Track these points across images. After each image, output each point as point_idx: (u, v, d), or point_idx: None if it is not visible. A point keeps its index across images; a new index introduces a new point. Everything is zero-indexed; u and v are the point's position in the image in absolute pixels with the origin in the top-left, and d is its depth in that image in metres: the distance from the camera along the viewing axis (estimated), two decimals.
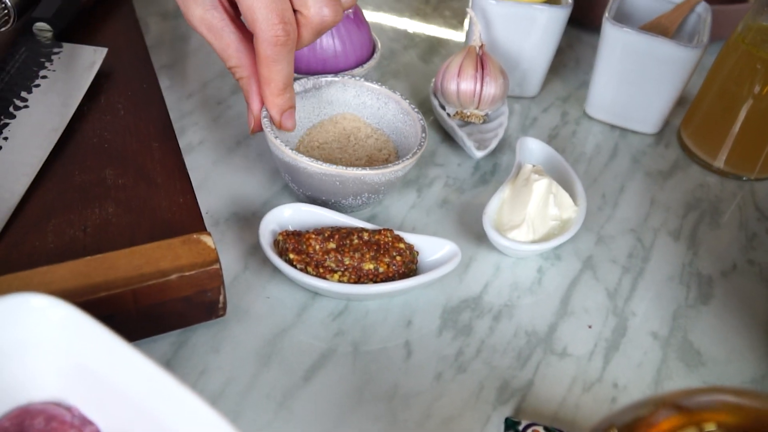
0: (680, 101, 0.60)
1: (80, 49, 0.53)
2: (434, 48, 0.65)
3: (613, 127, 0.57)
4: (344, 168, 0.41)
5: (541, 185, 0.43)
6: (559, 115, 0.58)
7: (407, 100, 0.47)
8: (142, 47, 0.56)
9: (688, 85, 0.60)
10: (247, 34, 0.42)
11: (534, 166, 0.45)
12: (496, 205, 0.45)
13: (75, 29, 0.56)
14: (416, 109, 0.47)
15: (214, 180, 0.48)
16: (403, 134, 0.48)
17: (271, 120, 0.44)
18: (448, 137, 0.54)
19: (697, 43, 0.53)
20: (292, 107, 0.44)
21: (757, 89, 0.50)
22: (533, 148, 0.49)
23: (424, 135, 0.45)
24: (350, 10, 0.50)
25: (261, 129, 0.44)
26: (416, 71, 0.61)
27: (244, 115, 0.54)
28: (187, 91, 0.56)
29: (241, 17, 0.42)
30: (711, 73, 0.53)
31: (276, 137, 0.43)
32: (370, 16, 0.68)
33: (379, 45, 0.52)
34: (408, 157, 0.43)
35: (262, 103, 0.43)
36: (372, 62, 0.51)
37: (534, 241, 0.43)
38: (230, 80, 0.57)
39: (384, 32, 0.66)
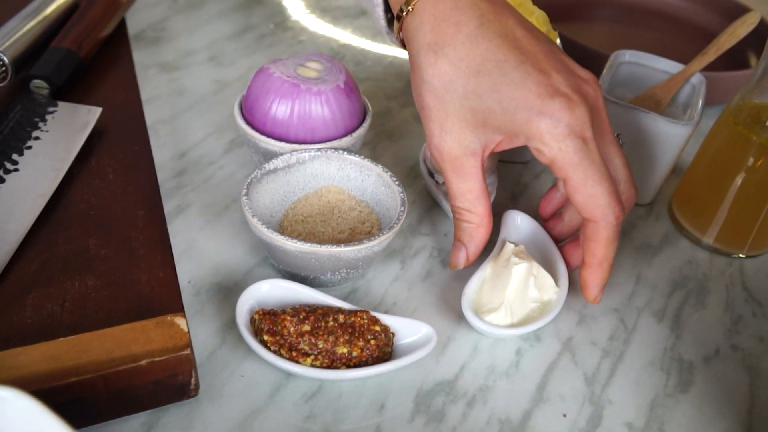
0: (675, 169, 0.60)
1: (75, 109, 0.53)
2: None
3: None
4: (318, 245, 0.42)
5: (521, 269, 0.43)
6: (551, 182, 0.58)
7: (388, 173, 0.48)
8: (137, 105, 0.57)
9: (684, 153, 0.60)
10: (485, 195, 0.43)
11: (516, 246, 0.45)
12: (476, 285, 0.45)
13: (73, 86, 0.57)
14: (397, 182, 0.47)
15: (200, 247, 0.48)
16: (386, 206, 0.48)
17: (585, 295, 0.44)
18: (436, 205, 0.54)
19: (689, 119, 0.53)
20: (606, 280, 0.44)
21: (746, 167, 0.49)
22: (518, 223, 0.49)
23: (402, 209, 0.45)
24: (341, 80, 0.50)
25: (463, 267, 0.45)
26: (411, 132, 0.61)
27: (235, 177, 0.54)
28: (180, 148, 0.57)
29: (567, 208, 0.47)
30: (702, 147, 0.53)
31: (253, 215, 0.43)
32: (369, 72, 0.69)
33: (370, 112, 0.52)
34: (384, 232, 0.43)
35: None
36: (361, 130, 0.51)
37: (512, 325, 0.43)
38: (225, 139, 0.58)
39: (381, 90, 0.66)
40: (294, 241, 0.42)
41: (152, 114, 0.60)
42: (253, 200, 0.46)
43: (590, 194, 0.40)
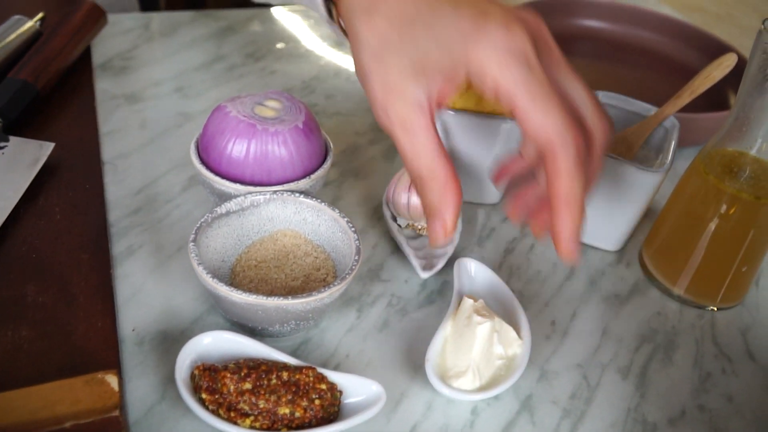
0: (649, 213, 0.58)
1: (26, 144, 0.52)
2: None
3: None
4: (265, 298, 0.40)
5: (485, 329, 0.41)
6: (519, 225, 0.56)
7: (345, 218, 0.46)
8: (93, 139, 0.55)
9: (659, 196, 0.58)
10: (442, 150, 0.39)
11: (475, 301, 0.43)
12: (439, 347, 0.43)
13: (28, 119, 0.55)
14: (353, 228, 0.45)
15: (147, 291, 0.46)
16: (342, 253, 0.46)
17: (557, 247, 0.38)
18: (398, 249, 0.52)
19: (660, 165, 0.51)
20: (580, 229, 0.38)
21: (718, 217, 0.47)
22: (472, 273, 0.47)
23: (357, 258, 0.43)
24: (300, 120, 0.49)
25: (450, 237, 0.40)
26: (377, 170, 0.60)
27: (192, 216, 0.52)
28: (137, 185, 0.55)
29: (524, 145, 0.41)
30: (673, 195, 0.51)
31: (199, 263, 0.41)
32: (340, 107, 0.67)
33: (332, 152, 0.51)
34: (335, 283, 0.41)
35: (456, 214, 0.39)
36: (320, 172, 0.49)
37: (481, 388, 0.41)
38: (185, 175, 0.56)
39: (351, 125, 0.65)
40: (239, 292, 0.40)
41: (112, 148, 0.58)
42: (202, 245, 0.44)
43: (541, 120, 0.36)
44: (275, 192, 0.47)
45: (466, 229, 0.55)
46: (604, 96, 0.57)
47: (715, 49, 0.79)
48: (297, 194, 0.47)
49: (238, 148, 0.47)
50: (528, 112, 0.36)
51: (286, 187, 0.48)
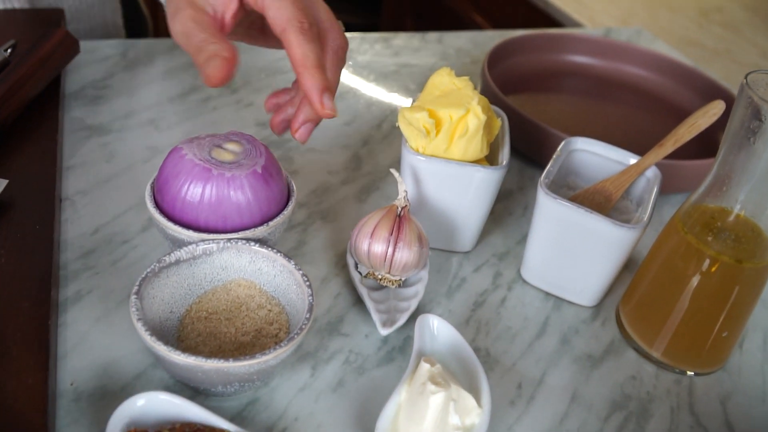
0: (630, 265, 0.56)
1: None
2: (373, 185, 0.61)
3: (548, 295, 0.53)
4: (204, 360, 0.37)
5: (438, 399, 0.39)
6: (492, 275, 0.54)
7: (300, 271, 0.44)
8: (50, 175, 0.53)
9: (640, 248, 0.55)
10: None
11: (432, 365, 0.41)
12: (391, 413, 0.40)
13: None
14: (308, 282, 0.43)
15: (91, 342, 0.44)
16: (296, 308, 0.44)
17: (314, 107, 0.45)
18: (361, 300, 0.50)
19: (637, 220, 0.49)
20: (331, 90, 0.46)
21: (697, 278, 0.45)
22: (435, 331, 0.45)
23: (308, 316, 0.41)
24: (259, 164, 0.46)
25: (232, 69, 0.44)
26: (347, 213, 0.57)
27: (148, 259, 0.50)
28: (94, 224, 0.53)
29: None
30: (651, 252, 0.49)
31: (139, 319, 0.39)
32: (315, 142, 0.65)
33: (294, 197, 0.48)
34: (282, 344, 0.39)
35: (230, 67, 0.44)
36: (279, 218, 0.47)
37: None
38: (145, 214, 0.54)
39: (324, 163, 0.63)
40: (177, 353, 0.37)
41: (73, 183, 0.56)
42: (148, 297, 0.42)
43: (276, 11, 0.45)
44: (229, 240, 0.45)
45: (435, 278, 0.52)
46: (583, 143, 0.54)
47: (707, 88, 0.76)
48: (252, 243, 0.45)
49: (192, 193, 0.45)
50: (268, 8, 0.45)
51: (241, 234, 0.45)
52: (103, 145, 0.61)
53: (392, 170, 0.49)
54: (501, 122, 0.54)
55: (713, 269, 0.44)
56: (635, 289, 0.50)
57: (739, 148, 0.42)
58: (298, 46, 0.45)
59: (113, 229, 0.52)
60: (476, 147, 0.49)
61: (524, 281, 0.53)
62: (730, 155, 0.43)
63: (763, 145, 0.41)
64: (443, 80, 0.51)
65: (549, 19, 1.29)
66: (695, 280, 0.45)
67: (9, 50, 0.63)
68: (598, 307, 0.52)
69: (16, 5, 0.73)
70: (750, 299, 0.45)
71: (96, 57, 0.73)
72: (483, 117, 0.48)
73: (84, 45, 0.73)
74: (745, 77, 0.41)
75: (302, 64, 0.45)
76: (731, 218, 0.44)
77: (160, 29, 1.93)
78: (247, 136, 0.49)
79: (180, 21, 0.46)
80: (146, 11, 0.97)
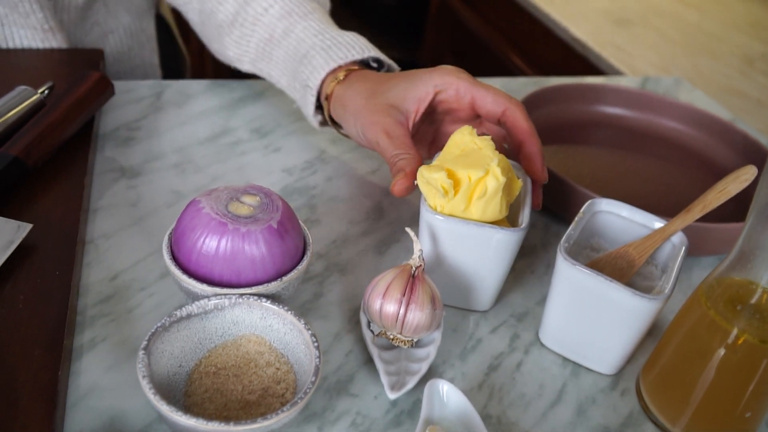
0: (654, 332, 0.54)
1: (4, 225, 0.51)
2: (394, 237, 0.61)
3: (566, 360, 0.51)
4: (204, 422, 0.37)
5: None
6: (509, 337, 0.52)
7: (310, 331, 0.43)
8: (74, 220, 0.54)
9: (665, 314, 0.54)
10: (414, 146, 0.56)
11: None
12: None
13: (15, 195, 0.55)
14: (316, 344, 0.42)
15: (101, 391, 0.44)
16: (304, 368, 0.43)
17: (536, 169, 0.56)
18: (372, 361, 0.49)
19: (659, 291, 0.47)
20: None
21: (719, 356, 0.43)
22: (444, 397, 0.44)
23: (313, 379, 0.41)
24: (275, 219, 0.46)
25: (411, 186, 0.53)
26: (366, 266, 0.57)
27: (164, 307, 0.51)
28: (114, 269, 0.53)
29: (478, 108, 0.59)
30: (672, 324, 0.47)
31: (144, 376, 0.39)
32: (339, 190, 0.65)
33: (310, 252, 0.48)
34: (285, 409, 0.39)
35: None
36: (293, 274, 0.47)
37: None
38: (162, 261, 0.54)
39: (346, 213, 0.63)
40: (179, 414, 0.37)
41: (97, 226, 0.57)
42: (157, 351, 0.42)
43: (495, 92, 0.57)
44: (241, 296, 0.45)
45: (451, 338, 0.52)
46: (608, 204, 0.53)
47: (743, 144, 0.75)
48: (263, 299, 0.45)
49: (208, 246, 0.45)
50: (485, 96, 0.57)
51: (254, 290, 0.45)
52: (131, 187, 0.62)
53: (407, 229, 0.48)
54: (522, 182, 0.53)
55: (736, 347, 0.43)
56: (656, 360, 0.48)
57: (763, 225, 0.40)
58: (524, 119, 0.56)
59: (132, 275, 0.53)
60: (495, 208, 0.48)
61: (542, 344, 0.52)
62: (753, 232, 0.41)
63: None
64: (464, 139, 0.51)
65: (588, 64, 1.28)
66: (718, 357, 0.43)
67: (46, 92, 0.65)
68: (618, 375, 0.51)
69: (54, 45, 0.75)
70: None
71: (131, 98, 0.74)
72: (502, 179, 0.47)
73: (120, 85, 0.75)
74: None
75: (530, 133, 0.56)
76: (757, 294, 0.42)
77: (198, 68, 1.96)
78: (265, 190, 0.49)
79: (374, 132, 0.56)
80: (185, 50, 0.99)
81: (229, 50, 0.72)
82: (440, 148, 0.57)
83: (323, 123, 0.66)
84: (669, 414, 0.47)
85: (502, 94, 0.57)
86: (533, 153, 0.55)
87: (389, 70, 0.66)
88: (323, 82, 0.63)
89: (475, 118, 0.61)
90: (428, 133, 0.64)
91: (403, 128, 0.56)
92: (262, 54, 0.69)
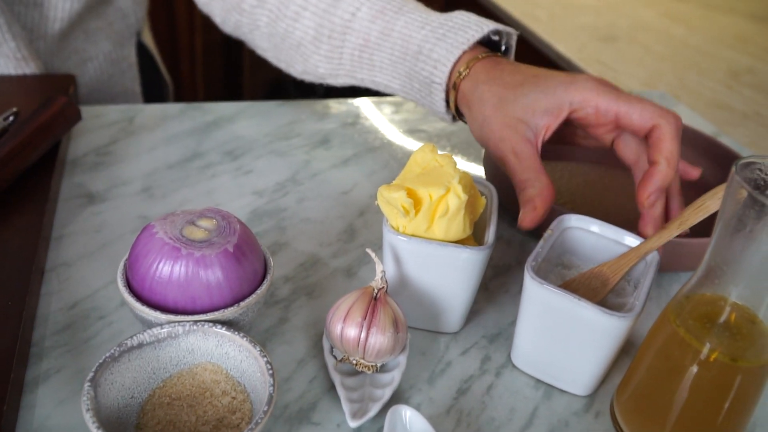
0: (628, 350, 0.52)
1: None
2: (365, 259, 0.59)
3: (539, 382, 0.49)
4: None
5: None
6: (480, 360, 0.51)
7: (265, 358, 0.42)
8: (32, 249, 0.52)
9: (641, 334, 0.52)
10: (544, 170, 0.53)
11: None
12: None
13: None
14: (270, 371, 0.41)
15: (49, 427, 0.43)
16: (260, 396, 0.42)
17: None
18: (334, 388, 0.47)
19: (631, 307, 0.46)
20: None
21: (690, 376, 0.41)
22: (408, 425, 0.42)
23: (266, 408, 0.39)
24: (231, 243, 0.45)
25: (539, 220, 0.51)
26: (334, 289, 0.56)
27: (122, 336, 0.49)
28: (73, 298, 0.52)
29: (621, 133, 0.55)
30: (643, 344, 0.45)
31: (88, 410, 0.37)
32: (311, 211, 0.64)
33: (270, 276, 0.47)
34: None
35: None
36: (252, 298, 0.45)
37: None
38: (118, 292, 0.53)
39: (317, 234, 0.61)
40: None
41: (59, 254, 0.56)
42: (105, 383, 0.40)
43: (642, 106, 0.51)
44: (195, 323, 0.43)
45: (419, 361, 0.50)
46: (577, 220, 0.52)
47: (726, 158, 0.73)
48: (218, 326, 0.43)
49: (161, 272, 0.44)
50: (629, 113, 0.52)
51: (210, 316, 0.44)
52: (96, 213, 0.61)
53: (368, 250, 0.47)
54: (487, 200, 0.52)
55: (708, 365, 0.41)
56: (629, 381, 0.46)
57: (730, 239, 0.39)
58: (672, 140, 0.51)
59: (92, 303, 0.52)
60: (458, 227, 0.47)
61: (514, 366, 0.50)
62: (723, 243, 0.40)
63: (759, 231, 0.38)
64: (426, 157, 0.49)
65: None
66: (690, 376, 0.42)
67: (10, 118, 0.64)
68: (592, 396, 0.49)
69: (27, 72, 0.74)
70: (749, 398, 0.42)
71: (102, 122, 0.74)
72: (464, 196, 0.46)
73: (91, 110, 0.74)
74: (735, 164, 0.38)
75: (668, 157, 0.51)
76: (726, 310, 0.41)
77: (181, 94, 1.97)
78: (223, 212, 0.48)
79: (501, 150, 0.53)
80: (167, 76, 0.98)
81: (319, 68, 0.66)
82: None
83: (455, 118, 0.62)
84: None
85: (651, 108, 0.51)
86: (654, 177, 0.51)
87: (508, 41, 0.60)
88: (450, 74, 0.58)
89: (616, 132, 0.56)
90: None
91: (531, 147, 0.52)
92: (360, 62, 0.63)
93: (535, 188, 0.50)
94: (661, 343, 0.43)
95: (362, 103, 0.84)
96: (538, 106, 0.53)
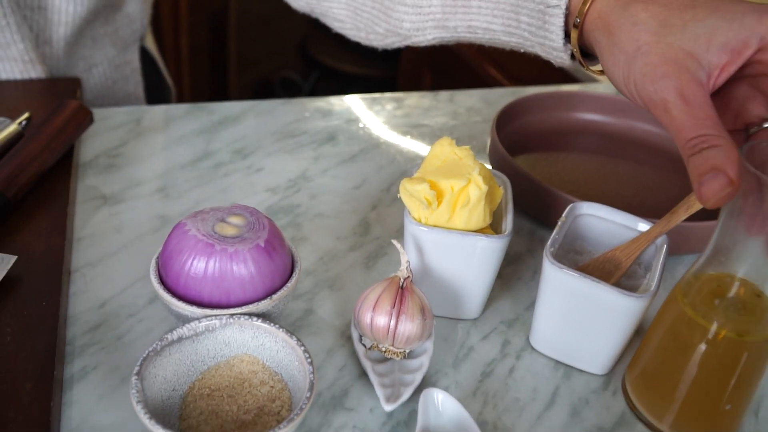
0: (640, 332, 0.55)
1: None
2: (381, 251, 0.61)
3: (558, 363, 0.52)
4: None
5: None
6: (500, 344, 0.53)
7: (302, 347, 0.43)
8: (59, 250, 0.53)
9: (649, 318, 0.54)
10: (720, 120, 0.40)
11: None
12: None
13: None
14: (309, 359, 0.42)
15: (94, 421, 0.44)
16: (298, 384, 0.43)
17: None
18: (365, 374, 0.49)
19: (644, 289, 0.48)
20: None
21: (698, 353, 0.43)
22: (440, 407, 0.44)
23: (308, 395, 0.40)
24: (262, 238, 0.47)
25: (734, 196, 0.38)
26: (355, 280, 0.57)
27: (154, 333, 0.50)
28: (101, 297, 0.53)
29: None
30: (653, 324, 0.48)
31: (138, 401, 0.39)
32: (324, 207, 0.65)
33: (299, 270, 0.48)
34: (281, 426, 0.39)
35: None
36: (283, 291, 0.47)
37: None
38: (150, 287, 0.54)
39: (332, 229, 0.63)
40: None
41: (82, 255, 0.57)
42: (150, 376, 0.42)
43: None
44: (231, 316, 0.45)
45: (442, 348, 0.52)
46: (589, 207, 0.54)
47: None
48: (254, 318, 0.45)
49: (195, 268, 0.45)
50: None
51: (245, 309, 0.45)
52: (114, 214, 0.62)
53: (394, 241, 0.49)
54: (503, 190, 0.53)
55: (714, 343, 0.43)
56: (639, 359, 0.49)
57: (736, 219, 0.41)
58: None
59: (120, 302, 0.53)
60: (479, 217, 0.49)
61: (533, 349, 0.52)
62: (729, 224, 0.42)
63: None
64: (444, 150, 0.51)
65: (563, 73, 1.29)
66: (698, 353, 0.44)
67: (24, 123, 0.64)
68: (609, 375, 0.51)
69: (33, 76, 0.75)
70: (755, 372, 0.44)
71: (110, 125, 0.74)
72: (484, 187, 0.48)
73: (99, 113, 0.75)
74: (741, 148, 0.40)
75: None
76: (735, 286, 0.43)
77: (183, 96, 1.97)
78: (250, 209, 0.49)
79: (662, 89, 0.40)
80: (170, 80, 0.99)
81: (405, 22, 0.58)
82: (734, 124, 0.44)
83: (574, 56, 0.50)
84: (655, 411, 0.47)
85: None
86: None
87: None
88: None
89: None
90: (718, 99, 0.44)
91: (704, 92, 0.40)
92: (453, 7, 0.54)
93: (722, 149, 0.38)
94: (670, 323, 0.45)
95: (364, 100, 0.86)
96: (717, 38, 0.40)
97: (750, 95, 0.44)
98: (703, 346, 0.43)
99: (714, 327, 0.42)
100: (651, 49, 0.41)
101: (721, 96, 0.45)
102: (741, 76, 0.43)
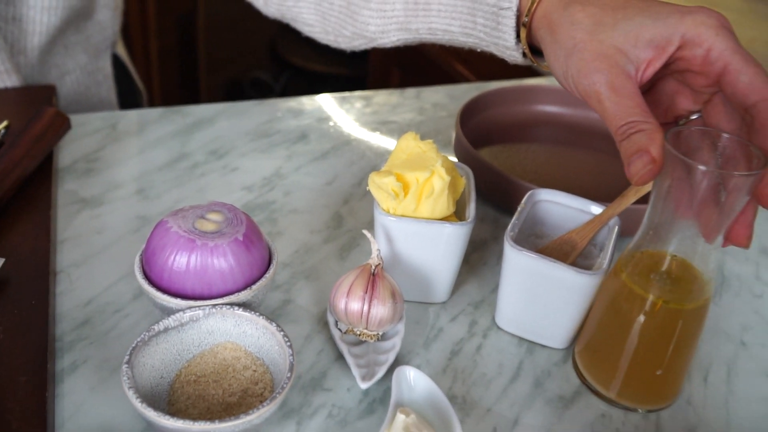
0: None
1: None
2: (354, 242, 0.64)
3: (521, 340, 0.55)
4: (191, 423, 0.40)
5: None
6: (468, 324, 0.56)
7: (282, 332, 0.46)
8: (44, 252, 0.56)
9: None
10: (648, 109, 0.43)
11: (407, 416, 0.43)
12: None
13: None
14: (288, 342, 0.46)
15: (87, 410, 0.47)
16: (279, 367, 0.46)
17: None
18: (342, 357, 0.52)
19: (598, 267, 0.52)
20: None
21: (636, 322, 0.47)
22: (411, 382, 0.47)
23: (289, 375, 0.44)
24: (240, 232, 0.50)
25: (657, 173, 0.42)
26: (329, 271, 0.60)
27: (140, 327, 0.53)
28: (87, 295, 0.55)
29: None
30: (597, 296, 0.51)
31: (130, 387, 0.42)
32: (298, 203, 0.68)
33: (275, 261, 0.51)
34: (265, 404, 0.42)
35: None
36: (262, 281, 0.50)
37: None
38: (135, 283, 0.57)
39: (307, 223, 0.66)
40: (166, 417, 0.40)
41: (66, 256, 0.59)
42: (138, 365, 0.45)
43: (755, 72, 0.42)
44: (214, 306, 0.48)
45: (414, 330, 0.55)
46: (547, 194, 0.58)
47: None
48: (236, 307, 0.48)
49: (178, 263, 0.48)
50: (743, 70, 0.42)
51: (226, 300, 0.48)
52: (94, 217, 0.64)
53: (365, 231, 0.52)
54: (466, 180, 0.57)
55: (651, 313, 0.47)
56: (584, 333, 0.52)
57: (666, 197, 0.44)
58: None
59: (105, 299, 0.55)
60: (443, 206, 0.52)
61: (499, 328, 0.56)
62: (657, 205, 0.45)
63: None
64: (409, 144, 0.54)
65: (528, 68, 1.33)
66: (636, 324, 0.47)
67: (2, 131, 0.67)
68: (569, 349, 0.55)
69: (9, 85, 0.77)
70: (690, 337, 0.48)
71: (87, 130, 0.77)
72: (447, 178, 0.51)
73: (76, 118, 0.77)
74: (666, 133, 0.43)
75: None
76: (667, 261, 0.47)
77: (154, 100, 1.98)
78: (228, 206, 0.52)
79: (594, 81, 0.44)
80: (141, 85, 1.01)
81: (370, 26, 0.61)
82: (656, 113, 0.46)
83: (525, 55, 0.54)
84: (602, 381, 0.51)
85: (765, 80, 0.42)
86: None
87: None
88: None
89: (712, 91, 0.46)
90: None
91: (632, 83, 0.44)
92: (415, 11, 0.57)
93: (646, 133, 0.41)
94: (612, 296, 0.49)
95: (334, 99, 0.89)
96: (643, 35, 0.44)
97: (678, 90, 0.49)
98: (642, 317, 0.47)
99: (651, 298, 0.46)
100: (585, 47, 0.45)
101: (652, 92, 0.50)
102: (669, 72, 0.48)
